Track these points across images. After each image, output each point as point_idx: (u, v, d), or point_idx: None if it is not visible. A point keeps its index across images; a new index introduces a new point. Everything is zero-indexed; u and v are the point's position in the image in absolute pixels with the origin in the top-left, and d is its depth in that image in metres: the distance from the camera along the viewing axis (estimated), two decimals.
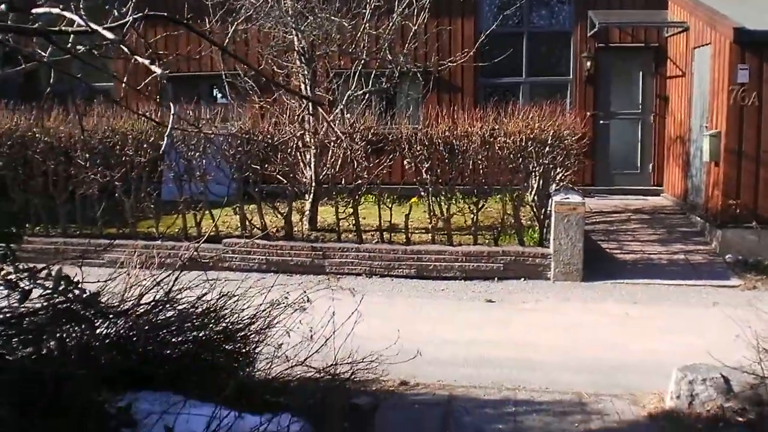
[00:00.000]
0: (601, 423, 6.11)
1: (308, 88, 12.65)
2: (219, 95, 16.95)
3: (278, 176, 12.21)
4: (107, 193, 12.30)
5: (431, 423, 6.13)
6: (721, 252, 12.08)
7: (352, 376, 6.01)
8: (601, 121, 16.58)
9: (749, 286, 10.67)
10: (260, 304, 5.84)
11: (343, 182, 12.19)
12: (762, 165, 12.11)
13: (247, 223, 12.25)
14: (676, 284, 10.79)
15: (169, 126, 3.16)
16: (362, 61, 12.78)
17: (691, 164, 14.44)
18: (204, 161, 12.23)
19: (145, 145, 12.21)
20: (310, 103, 11.86)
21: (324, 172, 12.43)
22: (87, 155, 12.31)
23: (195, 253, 9.06)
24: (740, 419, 6.01)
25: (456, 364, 7.62)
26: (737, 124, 12.18)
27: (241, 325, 5.71)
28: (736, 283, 10.83)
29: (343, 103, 12.55)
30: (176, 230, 12.41)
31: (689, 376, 6.24)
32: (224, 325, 5.64)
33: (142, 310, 5.20)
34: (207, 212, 12.24)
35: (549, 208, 11.60)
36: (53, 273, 4.35)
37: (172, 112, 3.23)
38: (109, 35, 3.08)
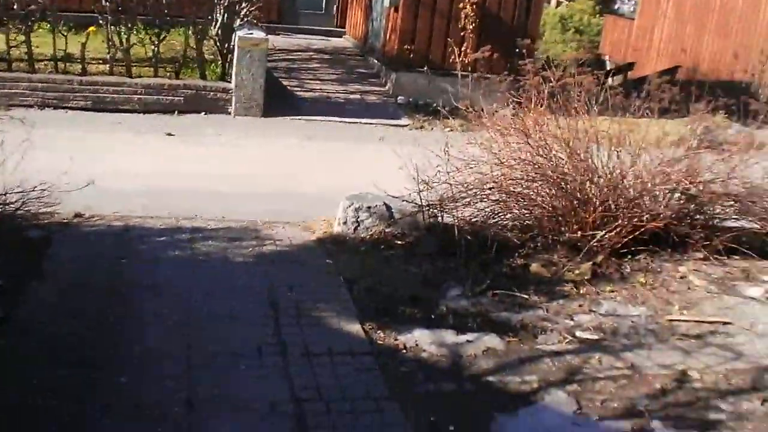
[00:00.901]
0: (274, 247, 6.44)
1: None
2: None
3: None
4: None
5: (106, 253, 6.11)
6: (394, 93, 12.81)
7: (23, 206, 5.83)
8: None
9: (417, 126, 11.48)
10: None
11: (15, 7, 11.26)
12: (437, 14, 12.80)
13: None
14: (351, 122, 11.36)
15: None
16: None
17: (373, 8, 14.90)
18: None
19: None
20: None
21: None
22: None
23: None
24: (399, 242, 6.60)
25: (133, 195, 7.56)
26: None
27: None
28: (406, 123, 11.61)
29: None
30: None
31: (356, 204, 6.71)
32: None
33: None
34: None
35: (232, 43, 11.55)
36: None
37: None
38: None
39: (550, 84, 6.83)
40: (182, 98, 11.21)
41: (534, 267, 6.23)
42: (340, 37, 16.91)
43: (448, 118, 8.40)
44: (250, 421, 4.12)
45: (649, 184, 6.66)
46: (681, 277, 6.40)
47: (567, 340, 5.24)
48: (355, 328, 5.09)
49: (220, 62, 11.80)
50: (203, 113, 11.16)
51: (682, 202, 6.78)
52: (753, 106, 7.33)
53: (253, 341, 4.85)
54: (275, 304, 5.36)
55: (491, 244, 6.30)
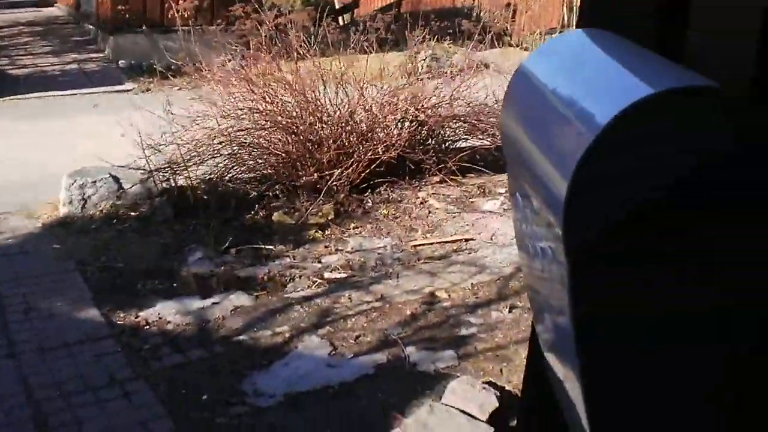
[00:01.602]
0: None
1: None
2: None
3: None
4: None
5: None
6: (114, 58, 12.17)
7: None
8: None
9: (143, 89, 10.93)
10: None
11: None
12: None
13: None
14: (71, 94, 10.68)
15: None
16: None
17: None
18: None
19: None
20: None
21: None
22: None
23: None
24: (133, 213, 6.22)
25: None
26: None
27: None
28: (131, 87, 11.05)
29: None
30: None
31: (79, 181, 6.23)
32: None
33: None
34: None
35: None
36: None
37: None
38: None
39: (266, 27, 6.66)
40: None
41: (276, 216, 6.10)
42: (52, 6, 15.88)
43: (168, 78, 8.00)
44: None
45: (379, 116, 6.69)
46: (421, 203, 6.52)
47: (316, 284, 5.17)
48: (91, 312, 4.75)
49: None
50: None
51: (412, 129, 6.88)
52: (464, 26, 7.52)
53: None
54: None
55: (230, 200, 6.11)
